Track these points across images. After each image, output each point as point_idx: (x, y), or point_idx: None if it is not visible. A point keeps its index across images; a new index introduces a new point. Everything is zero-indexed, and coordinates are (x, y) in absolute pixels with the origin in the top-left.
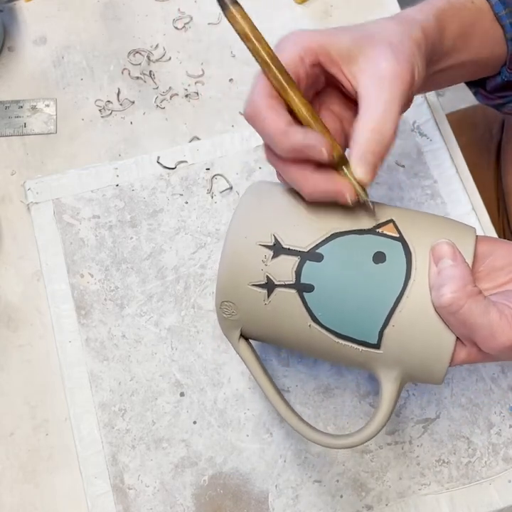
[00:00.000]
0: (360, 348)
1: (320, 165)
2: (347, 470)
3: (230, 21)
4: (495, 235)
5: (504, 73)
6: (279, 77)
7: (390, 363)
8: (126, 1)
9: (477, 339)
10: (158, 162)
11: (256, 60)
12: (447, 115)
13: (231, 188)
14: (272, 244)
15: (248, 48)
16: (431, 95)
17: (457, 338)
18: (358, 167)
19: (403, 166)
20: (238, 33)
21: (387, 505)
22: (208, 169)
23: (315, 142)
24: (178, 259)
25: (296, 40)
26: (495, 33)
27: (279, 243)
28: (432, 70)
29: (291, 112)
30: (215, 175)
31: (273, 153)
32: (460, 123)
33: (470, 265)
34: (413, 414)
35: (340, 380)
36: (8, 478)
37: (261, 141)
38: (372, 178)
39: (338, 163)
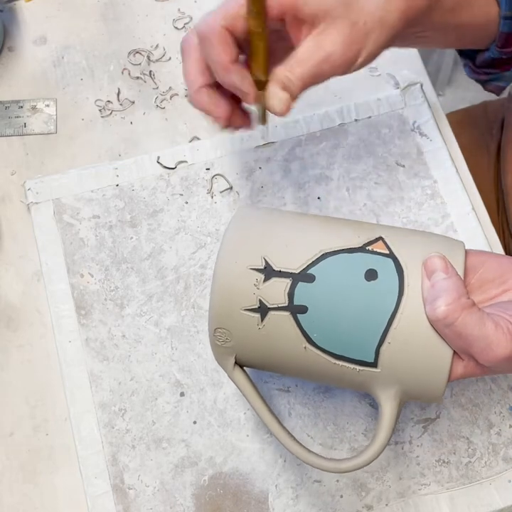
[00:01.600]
0: (358, 367)
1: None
2: None
3: None
4: (495, 235)
5: (493, 50)
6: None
7: (388, 382)
8: (126, 1)
9: (473, 351)
10: (158, 162)
11: None
12: (447, 115)
13: (231, 188)
14: (262, 267)
15: None
16: (431, 95)
17: (454, 352)
18: (273, 87)
19: (403, 166)
20: None
21: (387, 505)
22: (208, 169)
23: (247, 90)
24: (178, 259)
25: None
26: (488, 10)
27: (270, 266)
28: (410, 31)
29: (245, 33)
30: (215, 175)
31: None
32: (460, 123)
33: (462, 277)
34: (413, 414)
35: None
36: (8, 478)
37: (260, 142)
38: (285, 108)
39: (260, 85)
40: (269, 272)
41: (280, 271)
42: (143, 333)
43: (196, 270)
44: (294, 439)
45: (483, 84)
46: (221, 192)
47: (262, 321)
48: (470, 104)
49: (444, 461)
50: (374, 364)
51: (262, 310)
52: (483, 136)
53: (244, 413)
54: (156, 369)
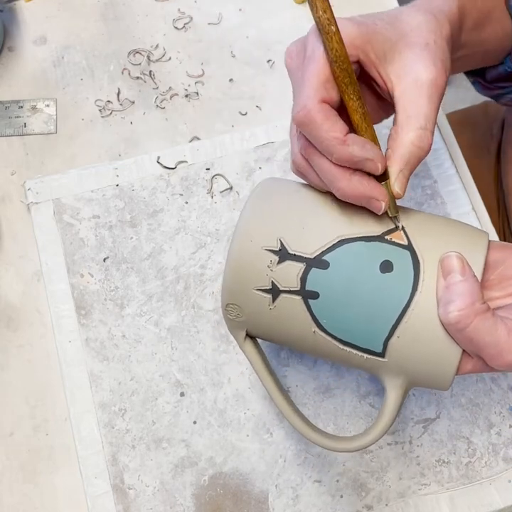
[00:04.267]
0: (365, 355)
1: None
2: (347, 470)
3: (310, 5)
4: (495, 235)
5: (508, 63)
6: (348, 79)
7: (395, 371)
8: (126, 1)
9: (484, 355)
10: (158, 162)
11: (327, 55)
12: (447, 115)
13: (231, 188)
14: (277, 249)
15: (323, 42)
16: None
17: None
18: (397, 181)
19: None
20: (316, 21)
21: (387, 505)
22: (208, 169)
23: (372, 156)
24: (178, 259)
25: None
26: (505, 24)
27: (285, 248)
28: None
29: (343, 110)
30: (215, 175)
31: (312, 149)
32: (460, 123)
33: (480, 275)
34: (413, 414)
35: (340, 380)
36: (8, 478)
37: (261, 142)
38: (405, 191)
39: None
40: (283, 254)
41: (295, 254)
42: (143, 333)
43: (196, 270)
44: (301, 415)
45: (497, 98)
46: (221, 192)
47: (273, 302)
48: (470, 105)
49: (444, 461)
50: (382, 354)
51: (274, 291)
52: (483, 137)
53: (244, 413)
54: (156, 369)
